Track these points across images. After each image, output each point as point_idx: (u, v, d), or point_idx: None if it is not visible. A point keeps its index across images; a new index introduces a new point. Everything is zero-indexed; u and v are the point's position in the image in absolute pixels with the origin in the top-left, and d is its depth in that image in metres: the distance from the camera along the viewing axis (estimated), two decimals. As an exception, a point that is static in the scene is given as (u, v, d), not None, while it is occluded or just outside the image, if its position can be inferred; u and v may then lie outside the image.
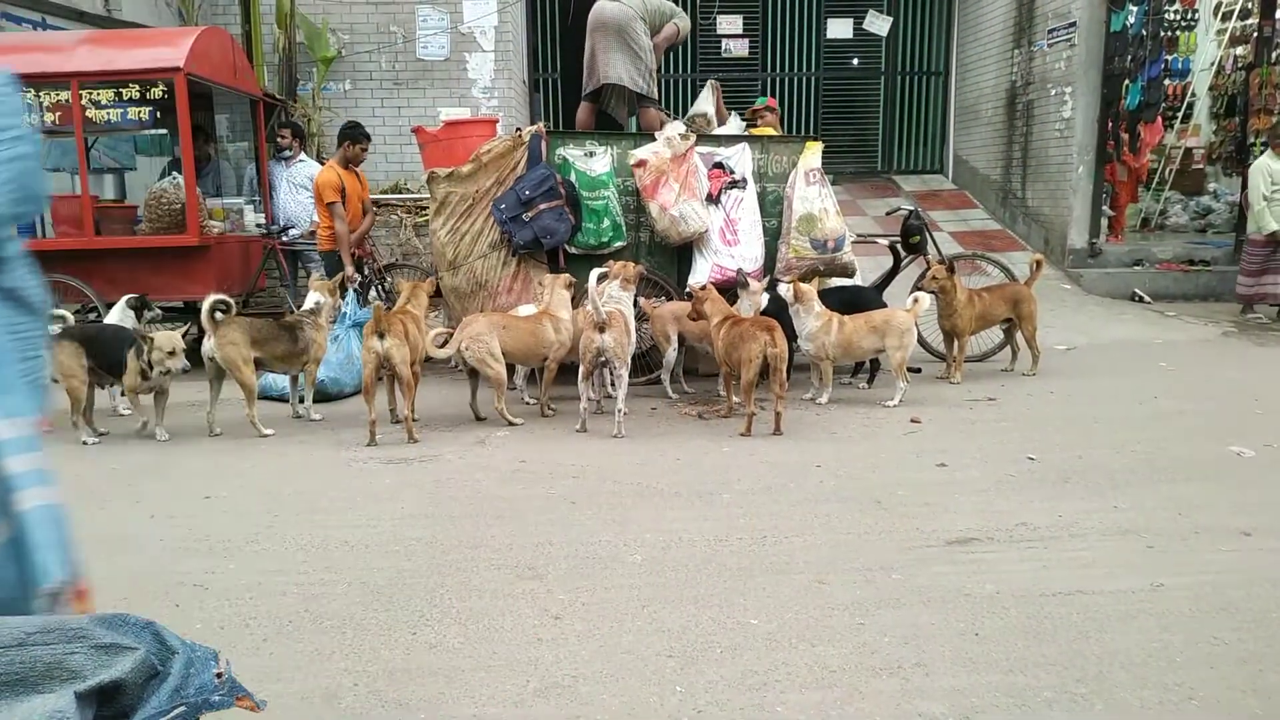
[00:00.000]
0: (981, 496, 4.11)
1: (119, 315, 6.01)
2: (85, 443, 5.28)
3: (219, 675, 1.25)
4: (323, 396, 6.12)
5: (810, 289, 5.90)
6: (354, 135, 7.04)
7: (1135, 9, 9.39)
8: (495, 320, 5.63)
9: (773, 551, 3.51)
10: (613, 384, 5.56)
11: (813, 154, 6.50)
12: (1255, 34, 10.04)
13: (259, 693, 1.41)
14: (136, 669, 1.16)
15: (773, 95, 13.70)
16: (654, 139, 6.46)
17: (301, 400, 5.91)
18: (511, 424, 5.48)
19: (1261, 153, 9.01)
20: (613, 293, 5.62)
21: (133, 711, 1.17)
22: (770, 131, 7.68)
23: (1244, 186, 9.98)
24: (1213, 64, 11.27)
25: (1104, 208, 10.32)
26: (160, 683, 1.18)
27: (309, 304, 5.91)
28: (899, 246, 7.03)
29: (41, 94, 7.21)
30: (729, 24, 13.45)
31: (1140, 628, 2.84)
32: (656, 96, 7.24)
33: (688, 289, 6.37)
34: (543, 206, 6.23)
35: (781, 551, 3.51)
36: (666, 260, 6.72)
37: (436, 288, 6.04)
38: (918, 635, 2.82)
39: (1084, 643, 2.76)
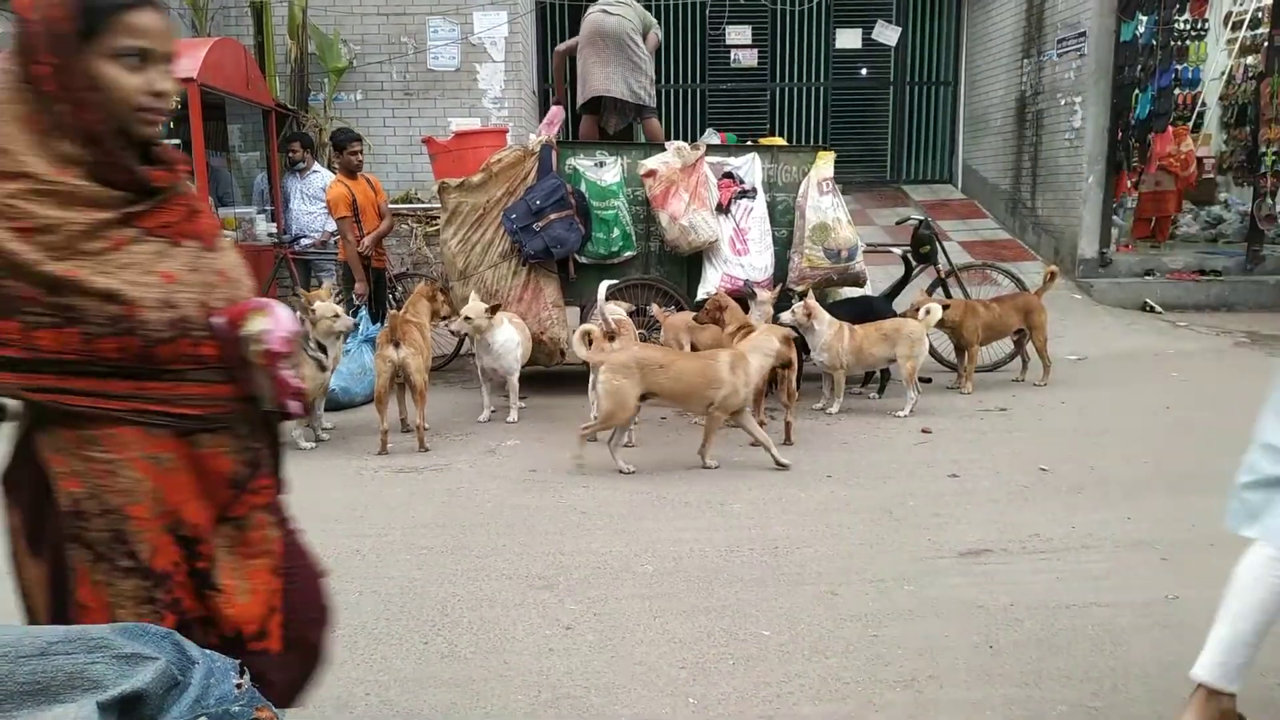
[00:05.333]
0: (994, 507, 4.10)
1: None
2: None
3: (239, 686, 1.26)
4: (333, 405, 6.14)
5: (816, 304, 5.89)
6: (338, 141, 6.95)
7: (1145, 19, 9.38)
8: (651, 358, 4.73)
9: (785, 562, 3.51)
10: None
11: (825, 164, 6.51)
12: (1266, 43, 10.01)
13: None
14: (157, 679, 1.17)
15: (781, 106, 13.79)
16: (663, 149, 6.47)
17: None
18: (579, 460, 4.78)
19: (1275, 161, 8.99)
20: (614, 310, 5.64)
21: (153, 721, 1.17)
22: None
23: (1255, 196, 9.97)
24: (1223, 73, 11.24)
25: (1115, 218, 10.29)
26: (181, 693, 1.19)
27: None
28: (910, 256, 7.03)
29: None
30: (737, 34, 13.48)
31: (1155, 640, 2.83)
32: (655, 106, 7.24)
33: (699, 298, 6.38)
34: (553, 216, 6.24)
35: (793, 562, 3.51)
36: (676, 270, 6.73)
37: (434, 293, 5.88)
38: (931, 647, 2.81)
39: (1099, 655, 2.74)
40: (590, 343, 4.82)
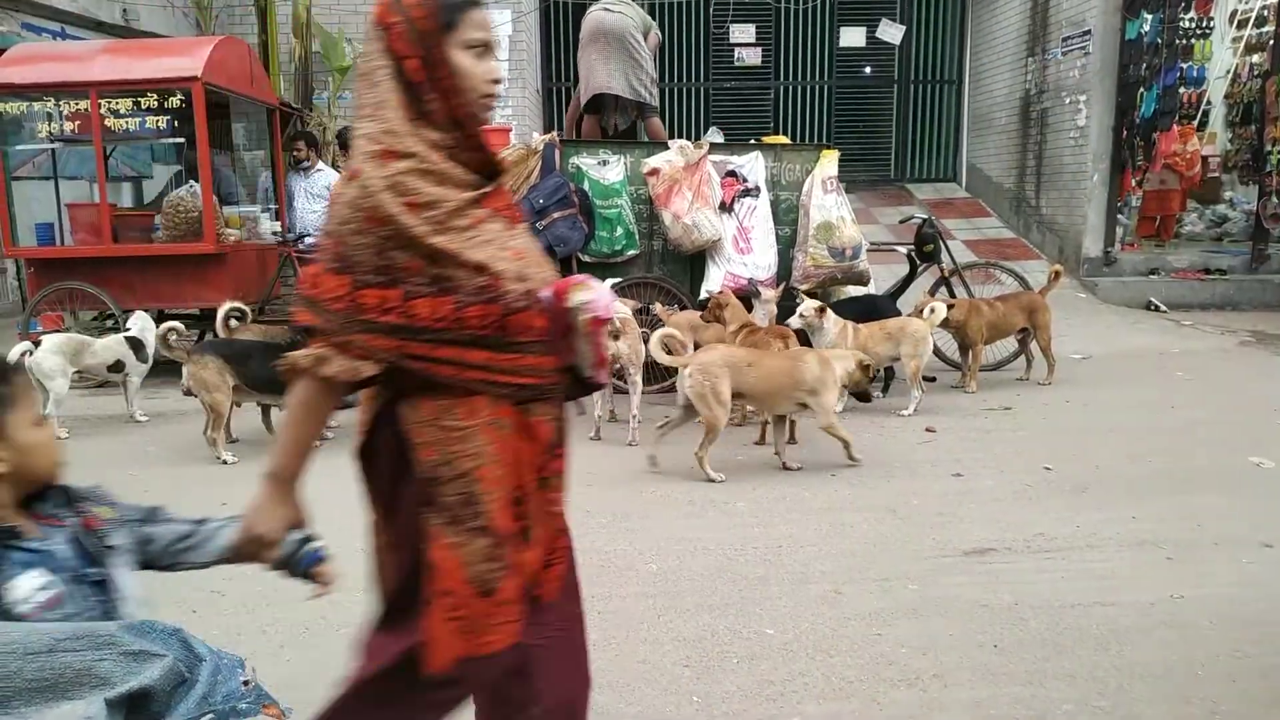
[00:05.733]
0: (998, 506, 4.09)
1: (140, 324, 6.05)
2: (225, 461, 4.99)
3: (246, 683, 1.26)
4: (337, 405, 6.13)
5: (822, 305, 5.88)
6: (343, 140, 6.95)
7: (1150, 17, 9.35)
8: (739, 357, 4.69)
9: (789, 561, 3.51)
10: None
11: (829, 162, 6.50)
12: (1271, 41, 9.98)
13: (279, 700, 1.42)
14: (165, 676, 1.17)
15: (785, 104, 13.78)
16: (666, 147, 6.47)
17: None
18: (710, 479, 4.54)
19: None
20: (621, 309, 5.64)
21: (161, 718, 1.18)
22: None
23: (1261, 194, 9.94)
24: (1228, 72, 11.21)
25: (1119, 216, 10.26)
26: (188, 690, 1.19)
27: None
28: (914, 255, 7.02)
29: (61, 103, 7.28)
30: (741, 33, 13.47)
31: (1161, 640, 2.82)
32: (658, 105, 7.22)
33: (702, 296, 6.38)
34: (556, 215, 6.24)
35: (797, 561, 3.50)
36: (679, 268, 6.72)
37: None
38: (935, 646, 2.81)
39: (1104, 655, 2.74)
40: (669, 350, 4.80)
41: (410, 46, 1.56)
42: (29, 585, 1.28)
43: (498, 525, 1.60)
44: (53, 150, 8.01)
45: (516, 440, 1.63)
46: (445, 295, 1.52)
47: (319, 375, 1.53)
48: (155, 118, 7.30)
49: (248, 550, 1.54)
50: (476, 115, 1.61)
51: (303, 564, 1.54)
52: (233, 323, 5.93)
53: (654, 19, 7.14)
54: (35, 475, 1.36)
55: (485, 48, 1.61)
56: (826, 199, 6.40)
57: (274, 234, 8.36)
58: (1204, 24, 9.85)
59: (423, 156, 1.54)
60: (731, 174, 6.54)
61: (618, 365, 5.32)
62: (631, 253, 6.56)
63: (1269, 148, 9.78)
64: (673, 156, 6.34)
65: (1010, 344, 7.05)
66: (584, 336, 1.68)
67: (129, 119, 7.27)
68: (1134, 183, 10.04)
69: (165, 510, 1.59)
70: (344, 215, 1.52)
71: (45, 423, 1.38)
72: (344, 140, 6.96)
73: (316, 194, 8.17)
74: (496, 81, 1.63)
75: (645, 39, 6.91)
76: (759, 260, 6.43)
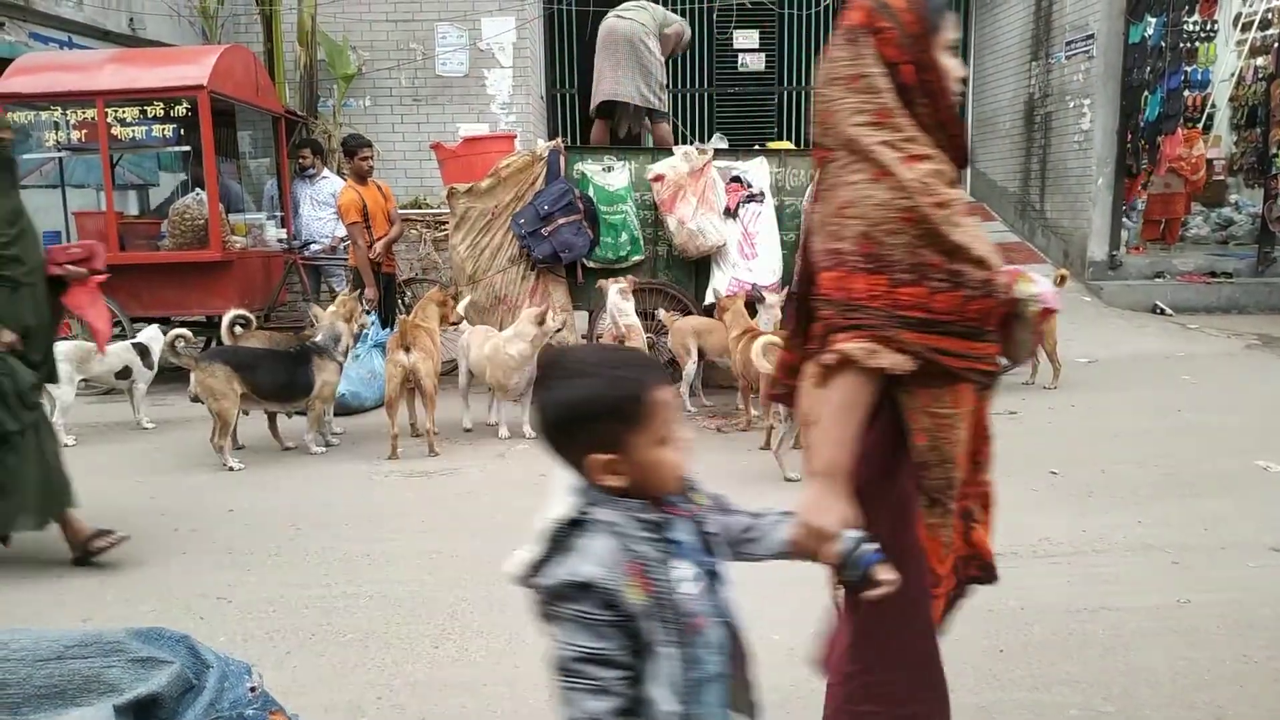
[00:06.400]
0: (1003, 510, 4.06)
1: (150, 333, 6.08)
2: (231, 468, 5.01)
3: (252, 689, 1.27)
4: (343, 410, 6.16)
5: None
6: (349, 147, 6.96)
7: (1154, 21, 9.35)
8: None
9: (793, 565, 3.49)
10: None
11: (832, 167, 6.50)
12: (1276, 44, 9.97)
13: (285, 706, 1.43)
14: (172, 682, 1.17)
15: (788, 110, 13.79)
16: (671, 153, 6.48)
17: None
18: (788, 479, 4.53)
19: None
20: (618, 304, 5.64)
21: (168, 724, 1.18)
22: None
23: (1266, 197, 9.92)
24: (1233, 75, 11.19)
25: (1125, 220, 10.25)
26: (195, 696, 1.19)
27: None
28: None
29: (68, 112, 7.32)
30: (744, 39, 13.49)
31: (1167, 645, 2.81)
32: (667, 110, 7.24)
33: (709, 300, 6.39)
34: (561, 221, 6.26)
35: (803, 565, 3.49)
36: (684, 274, 6.73)
37: (444, 298, 5.87)
38: (941, 651, 2.80)
39: (1110, 659, 2.73)
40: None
41: (902, 52, 1.57)
42: (682, 574, 1.30)
43: (957, 511, 1.75)
44: (60, 159, 8.06)
45: (971, 426, 1.72)
46: (957, 290, 1.55)
47: (869, 367, 1.54)
48: (161, 126, 7.35)
49: (807, 545, 1.54)
50: (956, 114, 1.64)
51: (862, 563, 1.52)
52: (237, 329, 5.95)
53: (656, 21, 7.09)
54: (654, 490, 1.35)
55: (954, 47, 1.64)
56: (829, 204, 6.40)
57: (279, 241, 8.39)
58: (1208, 27, 9.84)
59: (935, 158, 1.58)
60: (736, 179, 6.55)
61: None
62: (636, 258, 6.57)
63: (1274, 150, 9.77)
64: (677, 162, 6.36)
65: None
66: (1029, 326, 1.74)
67: (135, 127, 7.31)
68: (1139, 186, 10.03)
69: (727, 499, 1.57)
70: (876, 216, 1.54)
71: (671, 441, 1.36)
72: (349, 147, 6.98)
73: (322, 201, 8.20)
74: (961, 80, 1.66)
75: (663, 38, 6.88)
76: (764, 265, 6.44)
